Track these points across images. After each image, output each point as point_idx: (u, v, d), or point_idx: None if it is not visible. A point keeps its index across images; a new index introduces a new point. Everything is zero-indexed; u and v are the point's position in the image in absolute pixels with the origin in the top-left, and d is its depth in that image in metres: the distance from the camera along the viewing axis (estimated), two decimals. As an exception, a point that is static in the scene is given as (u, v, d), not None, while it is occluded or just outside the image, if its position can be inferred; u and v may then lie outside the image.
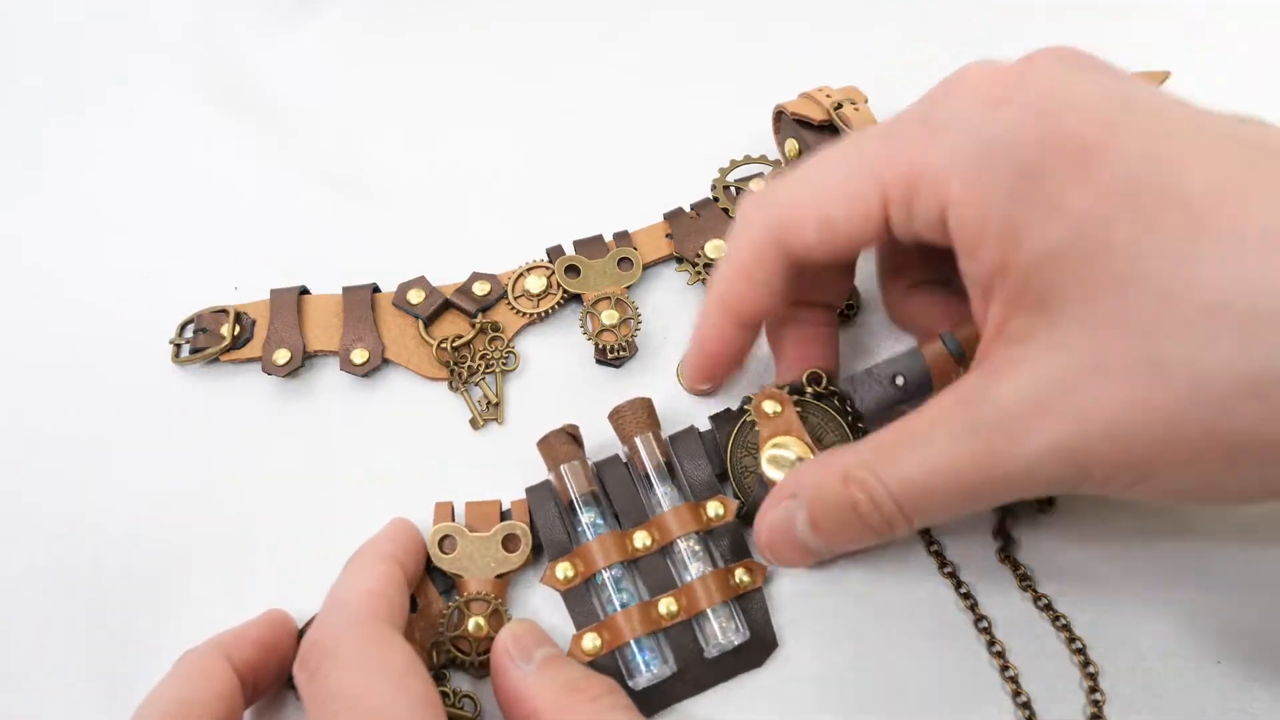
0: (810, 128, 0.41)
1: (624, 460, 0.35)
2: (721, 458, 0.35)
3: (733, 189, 0.42)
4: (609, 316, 0.39)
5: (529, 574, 0.35)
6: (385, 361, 0.39)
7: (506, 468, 0.37)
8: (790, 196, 0.30)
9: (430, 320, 0.40)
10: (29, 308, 0.43)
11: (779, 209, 0.30)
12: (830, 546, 0.30)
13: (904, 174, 0.27)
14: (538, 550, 0.35)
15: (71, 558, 0.37)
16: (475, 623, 0.33)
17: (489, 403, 0.39)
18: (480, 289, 0.40)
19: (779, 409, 0.34)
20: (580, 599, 0.33)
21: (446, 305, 0.40)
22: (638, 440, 0.35)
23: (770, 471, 0.33)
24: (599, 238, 0.41)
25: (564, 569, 0.33)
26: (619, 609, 0.32)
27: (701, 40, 0.48)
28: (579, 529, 0.34)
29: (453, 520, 0.35)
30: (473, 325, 0.40)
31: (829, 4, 0.48)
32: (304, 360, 0.39)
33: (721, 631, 0.32)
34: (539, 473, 0.36)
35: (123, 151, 0.47)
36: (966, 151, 0.26)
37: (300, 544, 0.36)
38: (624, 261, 0.40)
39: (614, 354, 0.38)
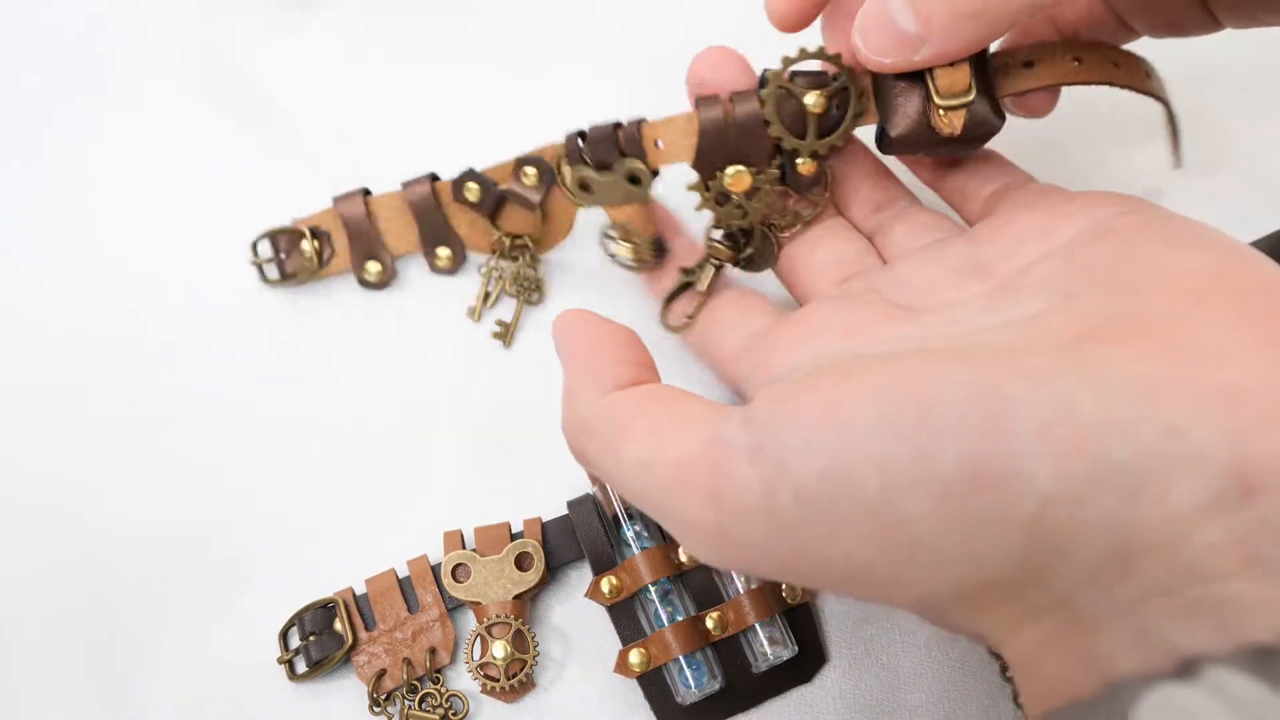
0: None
1: None
2: None
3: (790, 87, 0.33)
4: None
5: (547, 594, 0.35)
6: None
7: (515, 387, 0.38)
8: None
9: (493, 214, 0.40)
10: (27, 306, 0.43)
11: None
12: (925, 29, 0.27)
13: None
14: (551, 569, 0.34)
15: (66, 554, 0.37)
16: (501, 647, 0.33)
17: (503, 326, 0.39)
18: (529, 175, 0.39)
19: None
20: (626, 614, 0.33)
21: (504, 198, 0.40)
22: None
23: None
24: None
25: (609, 584, 0.33)
26: (665, 624, 0.32)
27: (702, 41, 0.48)
28: (623, 543, 0.34)
29: (463, 547, 0.35)
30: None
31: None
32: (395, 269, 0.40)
33: (769, 646, 0.32)
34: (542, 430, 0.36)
35: (122, 151, 0.47)
36: None
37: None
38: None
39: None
